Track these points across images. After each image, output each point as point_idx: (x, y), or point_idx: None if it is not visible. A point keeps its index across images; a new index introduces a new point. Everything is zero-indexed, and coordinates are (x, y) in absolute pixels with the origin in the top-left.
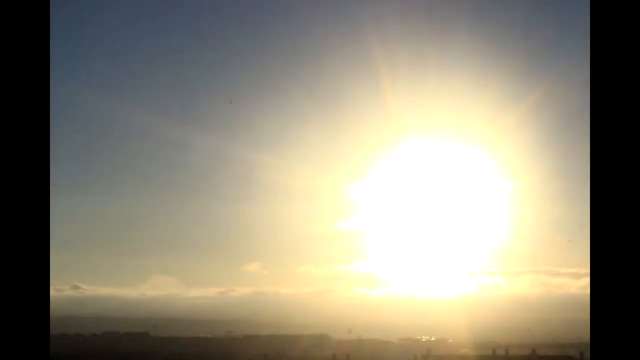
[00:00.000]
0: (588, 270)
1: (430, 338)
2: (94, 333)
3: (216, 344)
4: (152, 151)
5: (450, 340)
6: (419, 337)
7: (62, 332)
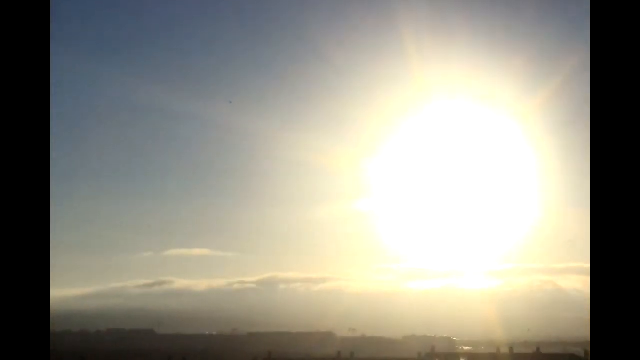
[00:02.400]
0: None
1: (435, 336)
2: (98, 330)
3: (221, 341)
4: (153, 123)
5: (454, 338)
6: (424, 335)
7: (66, 329)
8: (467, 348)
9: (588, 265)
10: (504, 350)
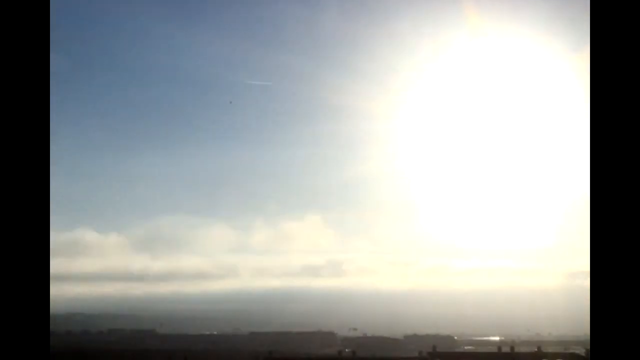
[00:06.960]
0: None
1: (436, 334)
2: (100, 330)
3: (222, 340)
4: (193, 68)
5: (455, 337)
6: (425, 334)
7: (67, 329)
8: (468, 347)
9: (588, 264)
10: (505, 349)
